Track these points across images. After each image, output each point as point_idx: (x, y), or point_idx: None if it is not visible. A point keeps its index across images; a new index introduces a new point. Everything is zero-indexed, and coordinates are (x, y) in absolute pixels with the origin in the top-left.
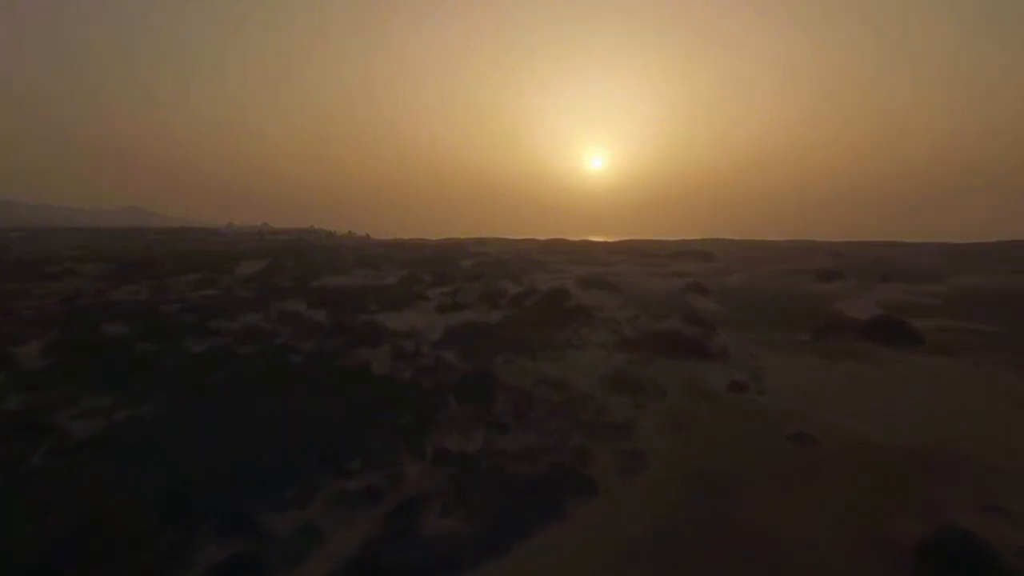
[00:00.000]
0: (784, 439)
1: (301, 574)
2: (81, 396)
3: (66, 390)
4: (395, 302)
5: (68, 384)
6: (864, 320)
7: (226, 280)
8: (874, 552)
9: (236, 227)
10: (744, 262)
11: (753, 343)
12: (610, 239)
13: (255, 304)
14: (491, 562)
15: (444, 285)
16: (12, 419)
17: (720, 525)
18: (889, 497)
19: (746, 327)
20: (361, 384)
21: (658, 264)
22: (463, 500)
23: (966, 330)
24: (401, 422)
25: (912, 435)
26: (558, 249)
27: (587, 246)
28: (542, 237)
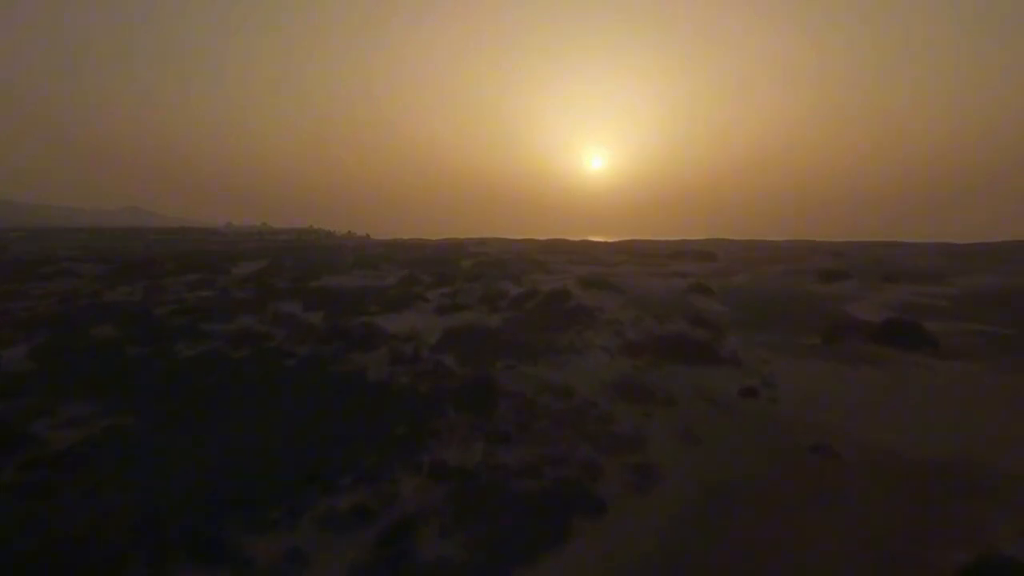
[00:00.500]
0: (803, 451)
1: None
2: (62, 404)
3: (47, 397)
4: (393, 304)
5: (51, 390)
6: (875, 323)
7: (223, 281)
8: None
9: (235, 227)
10: (745, 262)
11: (761, 346)
12: (610, 239)
13: (250, 305)
14: None
15: (444, 286)
16: None
17: (741, 549)
18: (923, 517)
19: (753, 329)
20: (356, 390)
21: (659, 264)
22: (461, 521)
23: (978, 332)
24: (396, 432)
25: (941, 447)
26: (558, 249)
27: (587, 246)
28: (542, 237)
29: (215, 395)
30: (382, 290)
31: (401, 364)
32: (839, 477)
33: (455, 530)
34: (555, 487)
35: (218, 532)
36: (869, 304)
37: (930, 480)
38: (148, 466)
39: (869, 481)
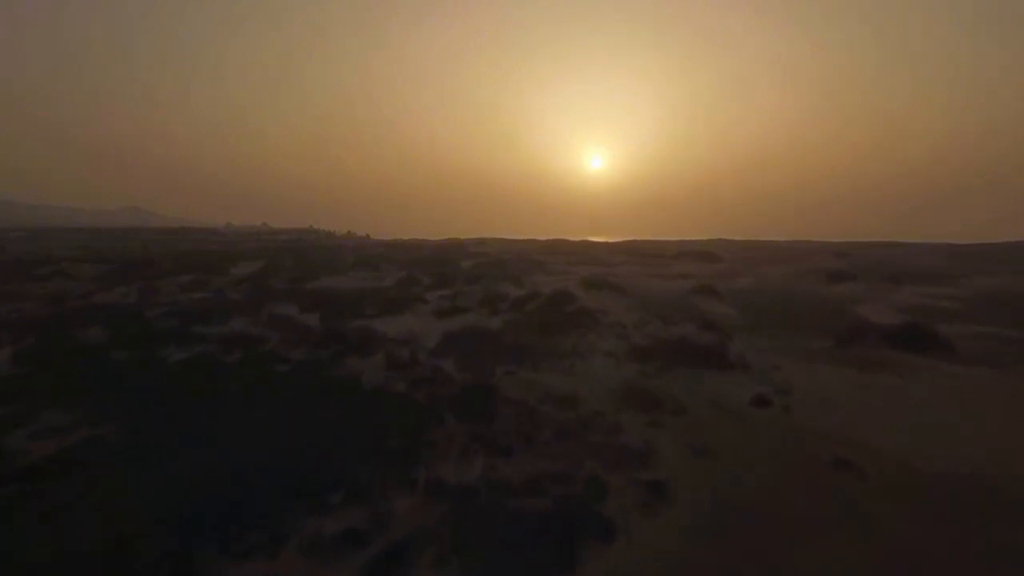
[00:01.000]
0: (824, 466)
1: None
2: (41, 412)
3: (26, 405)
4: (392, 306)
5: (30, 398)
6: (889, 326)
7: (219, 281)
8: None
9: (235, 227)
10: (748, 263)
11: (772, 351)
12: (611, 239)
13: (246, 307)
14: None
15: (443, 287)
16: None
17: None
18: (966, 542)
19: (761, 333)
20: (351, 398)
21: (661, 265)
22: (459, 546)
23: (995, 336)
24: (392, 444)
25: (971, 460)
26: (559, 250)
27: (588, 246)
28: (542, 237)
29: (202, 402)
30: (380, 292)
31: (398, 369)
32: (866, 495)
33: (452, 556)
34: (560, 507)
35: (191, 560)
36: (878, 306)
37: (965, 497)
38: (121, 482)
39: (899, 499)
